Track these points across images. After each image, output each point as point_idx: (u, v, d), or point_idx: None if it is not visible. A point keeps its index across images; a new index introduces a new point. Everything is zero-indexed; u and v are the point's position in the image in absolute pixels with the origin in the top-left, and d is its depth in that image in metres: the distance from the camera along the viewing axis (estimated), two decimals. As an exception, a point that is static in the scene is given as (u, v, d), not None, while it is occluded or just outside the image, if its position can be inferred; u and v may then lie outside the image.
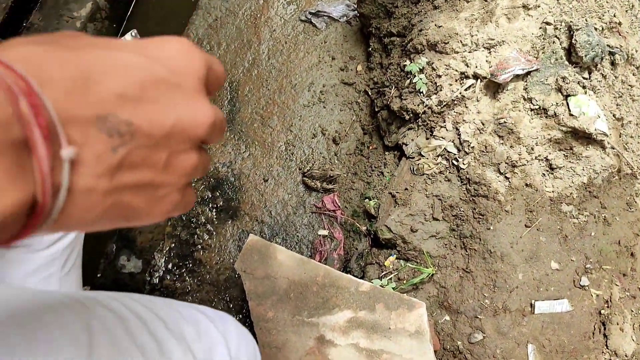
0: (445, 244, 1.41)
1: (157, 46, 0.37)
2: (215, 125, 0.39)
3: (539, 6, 1.43)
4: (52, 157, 0.29)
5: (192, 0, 2.29)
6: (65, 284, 1.03)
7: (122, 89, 0.33)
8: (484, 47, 1.45)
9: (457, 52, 1.49)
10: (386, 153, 1.67)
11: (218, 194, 1.76)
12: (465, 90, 1.43)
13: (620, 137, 1.48)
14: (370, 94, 1.81)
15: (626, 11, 1.55)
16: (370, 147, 1.74)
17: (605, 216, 1.39)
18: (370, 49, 1.85)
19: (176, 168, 0.37)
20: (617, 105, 1.46)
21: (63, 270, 1.03)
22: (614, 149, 1.39)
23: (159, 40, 0.38)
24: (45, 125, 0.29)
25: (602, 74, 1.42)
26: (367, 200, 1.61)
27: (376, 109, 1.73)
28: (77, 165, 0.31)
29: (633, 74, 1.53)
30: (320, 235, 1.68)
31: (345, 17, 1.97)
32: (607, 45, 1.42)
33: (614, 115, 1.44)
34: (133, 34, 2.32)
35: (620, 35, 1.47)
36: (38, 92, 0.29)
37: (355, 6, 1.95)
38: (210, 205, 1.76)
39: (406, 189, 1.46)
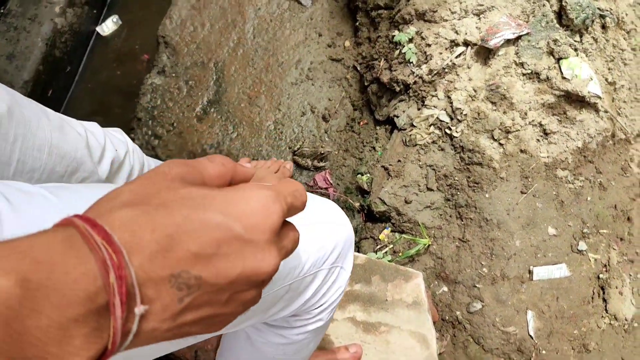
0: (441, 214, 1.38)
1: (241, 200, 0.40)
2: (278, 265, 0.42)
3: (527, -30, 1.40)
4: (126, 314, 0.33)
5: (174, -18, 2.24)
6: None
7: (199, 249, 0.36)
8: (474, 14, 1.43)
9: (446, 20, 1.46)
10: (377, 127, 1.64)
11: (207, 176, 1.73)
12: (456, 57, 1.41)
13: (613, 101, 1.47)
14: (359, 69, 1.78)
15: (615, -26, 1.53)
16: (361, 123, 1.71)
17: (600, 181, 1.38)
18: (357, 23, 1.82)
19: (236, 303, 0.41)
20: (609, 69, 1.44)
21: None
22: (607, 112, 1.37)
23: (243, 194, 0.41)
24: (125, 292, 0.32)
25: (593, 37, 1.40)
26: (359, 175, 1.58)
27: (366, 84, 1.70)
28: (145, 315, 0.34)
29: (624, 38, 1.52)
30: (312, 213, 1.65)
31: (330, -7, 1.93)
32: (598, 8, 1.40)
33: (606, 80, 1.43)
34: (114, 19, 2.27)
35: (610, -2, 1.46)
36: (126, 264, 0.33)
37: (341, -18, 1.91)
38: (200, 188, 1.72)
39: (399, 160, 1.43)
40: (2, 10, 2.02)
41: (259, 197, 0.41)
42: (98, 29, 2.28)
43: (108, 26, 2.27)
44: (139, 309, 0.34)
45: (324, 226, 0.85)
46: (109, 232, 0.33)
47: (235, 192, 0.41)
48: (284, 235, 0.44)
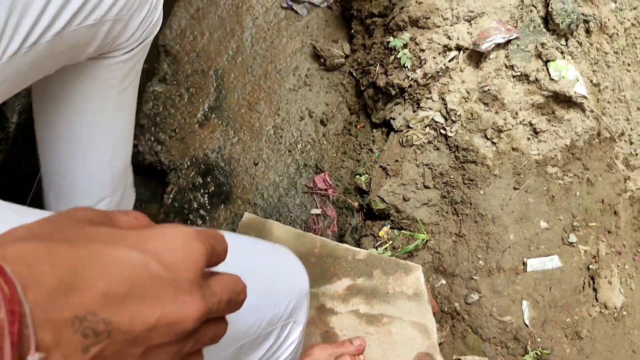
0: (437, 211, 1.45)
1: (158, 237, 0.37)
2: (209, 314, 0.38)
3: (515, -22, 1.48)
4: None
5: (172, -7, 2.31)
6: (120, 102, 1.03)
7: (108, 288, 0.32)
8: (465, 20, 1.50)
9: (439, 26, 1.53)
10: (374, 130, 1.70)
11: (209, 180, 1.78)
12: (449, 61, 1.48)
13: (598, 102, 1.54)
14: (354, 74, 1.84)
15: (597, -18, 1.62)
16: (358, 126, 1.78)
17: (588, 177, 1.45)
18: (352, 31, 1.89)
19: (154, 358, 0.36)
20: (593, 71, 1.52)
21: (121, 84, 1.00)
22: (593, 112, 1.44)
23: (160, 231, 0.38)
24: (17, 332, 0.28)
25: (578, 41, 1.48)
26: (357, 176, 1.64)
27: (362, 88, 1.77)
28: None
29: (606, 42, 1.60)
30: (313, 214, 1.71)
31: (325, 2, 2.00)
32: (582, 13, 1.47)
33: (591, 81, 1.50)
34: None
35: (592, 3, 1.54)
36: (20, 300, 0.28)
37: (335, -9, 1.98)
38: (202, 191, 1.77)
39: (396, 160, 1.50)
40: None
41: (178, 234, 0.38)
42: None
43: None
44: (32, 357, 0.28)
45: (279, 279, 0.81)
46: (1, 263, 0.29)
47: (150, 230, 0.38)
48: (213, 281, 0.40)
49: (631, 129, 1.62)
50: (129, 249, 0.34)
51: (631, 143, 1.60)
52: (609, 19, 1.59)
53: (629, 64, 1.70)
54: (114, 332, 0.31)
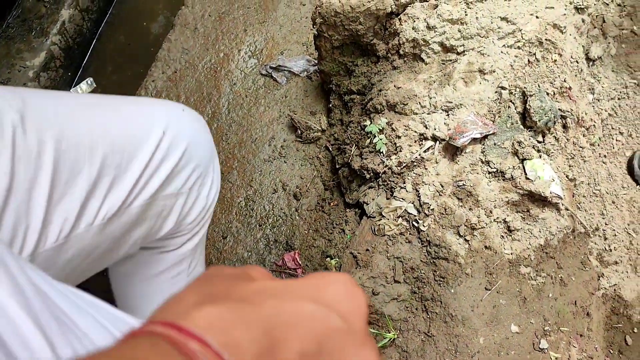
0: (407, 307, 1.40)
1: (325, 286, 0.36)
2: None
3: (494, 71, 1.47)
4: None
5: (150, 50, 2.28)
6: (193, 275, 1.11)
7: (302, 347, 0.31)
8: (442, 110, 1.48)
9: (416, 114, 1.51)
10: (347, 210, 1.67)
11: (175, 252, 1.72)
12: (425, 152, 1.45)
13: (573, 197, 1.52)
14: (331, 149, 1.81)
15: (575, 75, 1.62)
16: (332, 204, 1.74)
17: (561, 276, 1.42)
18: (330, 105, 1.87)
19: None
20: (569, 166, 1.51)
21: (190, 268, 1.08)
22: (568, 210, 1.42)
23: (324, 280, 0.37)
24: None
25: (555, 137, 1.47)
26: (328, 259, 1.59)
27: (337, 166, 1.74)
28: None
29: (583, 135, 1.59)
30: (280, 294, 1.65)
31: (306, 72, 1.98)
32: (559, 109, 1.47)
33: (567, 176, 1.49)
34: (89, 82, 2.28)
35: (570, 99, 1.53)
36: None
37: (316, 61, 1.97)
38: (167, 263, 1.71)
39: (367, 249, 1.45)
40: (-26, 73, 2.01)
41: (342, 283, 0.37)
42: (72, 91, 2.28)
43: (82, 88, 2.28)
44: None
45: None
46: (201, 335, 0.28)
47: (313, 279, 0.37)
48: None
49: (605, 224, 1.60)
50: (307, 302, 0.33)
51: (605, 238, 1.59)
52: (586, 113, 1.58)
53: (604, 156, 1.70)
54: None
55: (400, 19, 1.61)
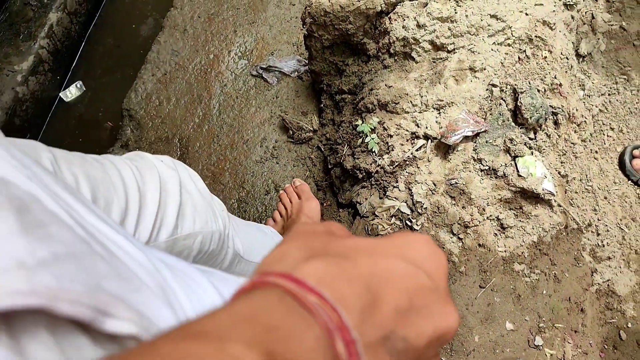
0: (402, 306, 1.39)
1: (410, 245, 0.37)
2: None
3: (484, 69, 1.47)
4: None
5: (140, 52, 2.26)
6: None
7: (397, 303, 0.32)
8: (434, 108, 1.48)
9: (408, 112, 1.51)
10: (340, 210, 1.66)
11: (168, 255, 1.71)
12: (417, 150, 1.45)
13: (565, 193, 1.53)
14: (323, 150, 1.81)
15: (566, 72, 1.62)
16: (325, 204, 1.73)
17: (555, 273, 1.42)
18: (322, 105, 1.86)
19: None
20: (561, 162, 1.51)
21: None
22: (560, 206, 1.42)
23: (409, 239, 0.38)
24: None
25: (547, 134, 1.47)
26: (321, 259, 1.59)
27: (329, 166, 1.73)
28: None
29: (574, 131, 1.59)
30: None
31: (296, 72, 1.98)
32: (550, 106, 1.47)
33: (559, 173, 1.49)
34: (78, 85, 2.27)
35: (561, 95, 1.53)
36: (349, 327, 0.29)
37: (306, 61, 1.96)
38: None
39: (361, 249, 1.45)
40: (-38, 78, 1.99)
41: (424, 242, 0.39)
42: (61, 94, 2.27)
43: (71, 92, 2.26)
44: None
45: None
46: (317, 289, 0.29)
47: (398, 239, 0.38)
48: None
49: (598, 220, 1.60)
50: (398, 259, 0.35)
51: (598, 234, 1.59)
52: (577, 109, 1.59)
53: (596, 152, 1.70)
54: (409, 350, 0.32)
55: (390, 18, 1.60)
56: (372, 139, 1.51)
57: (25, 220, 0.37)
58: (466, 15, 1.50)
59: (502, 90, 1.45)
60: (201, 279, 0.53)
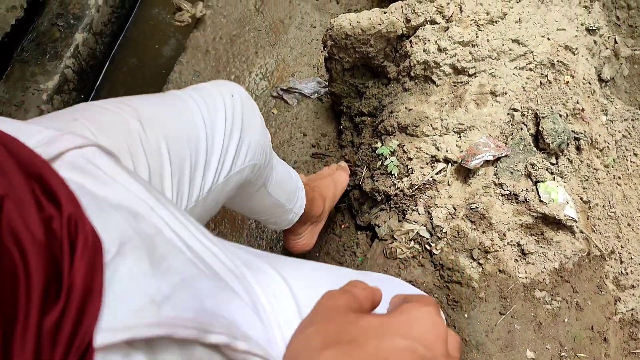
0: (420, 332, 1.38)
1: (414, 322, 0.45)
2: None
3: (505, 93, 1.46)
4: None
5: (162, 73, 2.30)
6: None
7: None
8: (454, 132, 1.48)
9: (428, 136, 1.51)
10: (358, 233, 1.65)
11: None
12: (437, 174, 1.44)
13: (588, 219, 1.50)
14: (341, 171, 1.81)
15: (588, 97, 1.61)
16: (343, 226, 1.73)
17: (577, 301, 1.39)
18: (341, 126, 1.87)
19: None
20: (583, 188, 1.49)
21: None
22: (583, 233, 1.40)
23: (412, 315, 0.46)
24: None
25: (569, 159, 1.45)
26: (339, 282, 1.58)
27: (348, 188, 1.73)
28: None
29: (597, 157, 1.58)
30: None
31: (316, 94, 1.99)
32: (572, 131, 1.46)
33: (581, 199, 1.47)
34: (102, 104, 2.30)
35: (584, 120, 1.52)
36: None
37: (326, 83, 1.97)
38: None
39: (379, 273, 1.44)
40: (-11, 96, 2.04)
41: (426, 315, 0.46)
42: (85, 113, 2.30)
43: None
44: None
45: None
46: None
47: (404, 315, 0.46)
48: (449, 344, 0.48)
49: (621, 247, 1.57)
50: (399, 337, 0.42)
51: (621, 262, 1.56)
52: (599, 134, 1.57)
53: (619, 178, 1.67)
54: None
55: (411, 42, 1.61)
56: (392, 161, 1.51)
57: (153, 259, 0.48)
58: (487, 40, 1.50)
59: (524, 115, 1.44)
60: (272, 272, 0.66)
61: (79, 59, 2.21)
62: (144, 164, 0.79)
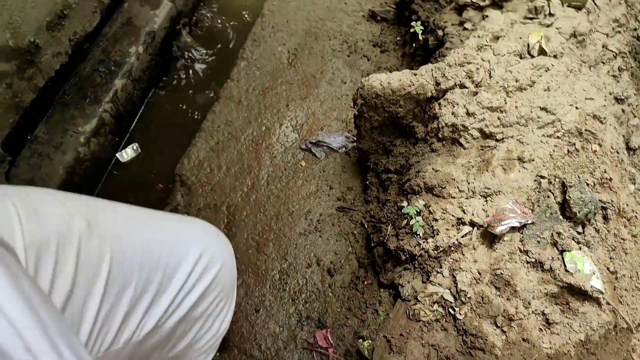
0: (441, 398, 1.36)
1: None
2: None
3: (533, 160, 1.48)
4: None
5: (195, 120, 2.37)
6: None
7: None
8: (481, 195, 1.49)
9: (454, 198, 1.52)
10: (381, 290, 1.65)
11: (207, 322, 1.72)
12: (462, 237, 1.45)
13: (614, 290, 1.49)
14: (366, 226, 1.82)
15: (616, 166, 1.61)
16: (365, 283, 1.73)
17: (603, 374, 1.36)
18: (367, 182, 1.89)
19: None
20: (610, 258, 1.48)
21: None
22: (609, 304, 1.39)
23: None
24: None
25: (595, 229, 1.45)
26: (360, 340, 1.57)
27: (372, 244, 1.74)
28: None
29: (624, 226, 1.57)
30: (310, 373, 1.63)
31: (344, 148, 2.03)
32: (599, 200, 1.46)
33: (608, 269, 1.46)
34: (134, 147, 2.37)
35: (611, 190, 1.52)
36: None
37: (354, 138, 2.01)
38: (199, 334, 1.71)
39: (402, 334, 1.43)
40: (29, 137, 2.12)
41: None
42: (118, 155, 2.37)
43: (128, 153, 2.37)
44: None
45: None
46: None
47: None
48: None
49: (649, 319, 1.54)
50: None
51: (649, 334, 1.53)
52: (627, 204, 1.57)
53: (647, 247, 1.66)
54: None
55: (439, 104, 1.65)
56: (417, 221, 1.53)
57: None
58: (516, 107, 1.53)
59: (551, 183, 1.45)
60: None
61: (116, 104, 2.29)
62: (69, 270, 0.66)
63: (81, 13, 2.27)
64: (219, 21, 2.76)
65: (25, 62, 1.99)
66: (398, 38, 2.36)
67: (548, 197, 1.43)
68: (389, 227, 1.64)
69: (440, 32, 1.99)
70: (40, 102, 2.14)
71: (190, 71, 2.56)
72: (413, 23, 2.16)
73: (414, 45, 2.21)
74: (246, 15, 2.73)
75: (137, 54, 2.39)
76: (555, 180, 1.45)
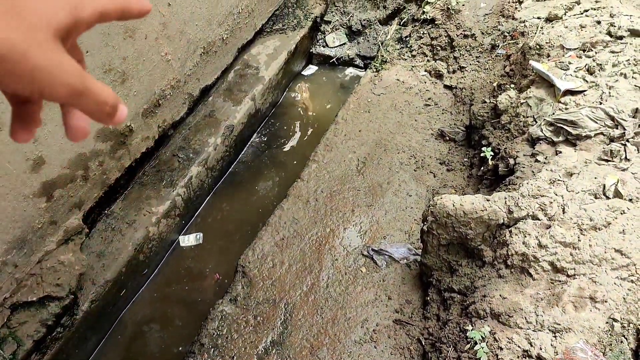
0: None
1: None
2: None
3: (606, 301, 1.47)
4: None
5: (259, 213, 2.46)
6: None
7: None
8: (549, 330, 1.48)
9: (521, 328, 1.51)
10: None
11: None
12: (529, 371, 1.43)
13: None
14: (424, 343, 1.81)
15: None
16: (419, 403, 1.69)
17: None
18: (428, 297, 1.90)
19: None
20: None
21: None
22: None
23: None
24: None
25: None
26: None
27: (429, 364, 1.72)
28: None
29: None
30: None
31: (405, 260, 2.06)
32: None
33: None
34: (198, 237, 2.46)
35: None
36: None
37: (417, 251, 2.05)
38: None
39: None
40: (106, 211, 2.23)
41: None
42: (180, 238, 2.46)
43: (190, 240, 2.45)
44: None
45: None
46: None
47: None
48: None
49: None
50: None
51: None
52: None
53: None
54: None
55: (510, 231, 1.68)
56: (482, 347, 1.51)
57: None
58: (590, 245, 1.55)
59: (624, 327, 1.43)
60: None
61: (189, 189, 2.41)
62: None
63: (173, 103, 2.45)
64: (289, 121, 2.93)
65: (118, 143, 2.14)
66: (465, 159, 2.45)
67: (621, 342, 1.41)
68: (450, 349, 1.63)
69: (511, 161, 2.06)
70: (123, 180, 2.27)
71: (259, 167, 2.69)
72: (484, 148, 2.24)
73: (482, 168, 2.28)
74: (319, 121, 2.90)
75: (215, 144, 2.54)
76: (629, 326, 1.43)
